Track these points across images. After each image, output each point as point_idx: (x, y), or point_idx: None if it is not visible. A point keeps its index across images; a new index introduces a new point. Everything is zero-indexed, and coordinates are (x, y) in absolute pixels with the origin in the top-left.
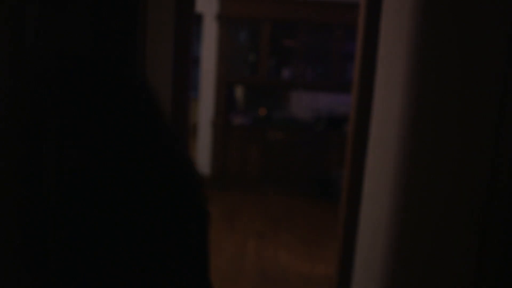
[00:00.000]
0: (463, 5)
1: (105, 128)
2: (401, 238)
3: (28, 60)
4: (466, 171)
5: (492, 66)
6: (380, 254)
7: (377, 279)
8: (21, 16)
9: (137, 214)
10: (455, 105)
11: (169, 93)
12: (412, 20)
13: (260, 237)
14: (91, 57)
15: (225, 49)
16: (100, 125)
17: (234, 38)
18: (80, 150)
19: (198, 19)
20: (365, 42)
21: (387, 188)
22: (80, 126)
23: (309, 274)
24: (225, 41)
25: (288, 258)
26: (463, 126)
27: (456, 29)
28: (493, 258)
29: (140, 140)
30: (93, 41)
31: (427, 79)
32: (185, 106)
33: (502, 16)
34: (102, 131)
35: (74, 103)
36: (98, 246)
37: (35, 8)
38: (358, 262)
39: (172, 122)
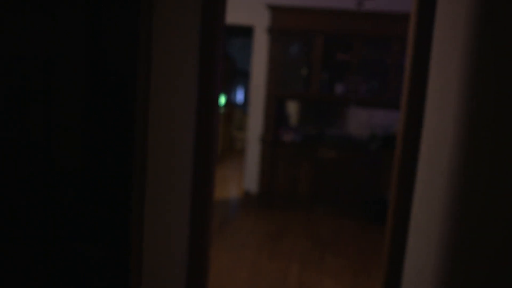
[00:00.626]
0: None
1: None
2: (452, 277)
3: None
4: None
5: None
6: None
7: None
8: None
9: None
10: None
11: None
12: (468, 31)
13: (304, 262)
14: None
15: (276, 63)
16: None
17: (286, 51)
18: None
19: (248, 32)
20: (415, 55)
21: (437, 217)
22: None
23: None
24: (276, 54)
25: (332, 287)
26: None
27: None
28: None
29: None
30: (88, 40)
31: (486, 94)
32: (211, 123)
33: None
34: None
35: None
36: None
37: None
38: None
39: (195, 139)
